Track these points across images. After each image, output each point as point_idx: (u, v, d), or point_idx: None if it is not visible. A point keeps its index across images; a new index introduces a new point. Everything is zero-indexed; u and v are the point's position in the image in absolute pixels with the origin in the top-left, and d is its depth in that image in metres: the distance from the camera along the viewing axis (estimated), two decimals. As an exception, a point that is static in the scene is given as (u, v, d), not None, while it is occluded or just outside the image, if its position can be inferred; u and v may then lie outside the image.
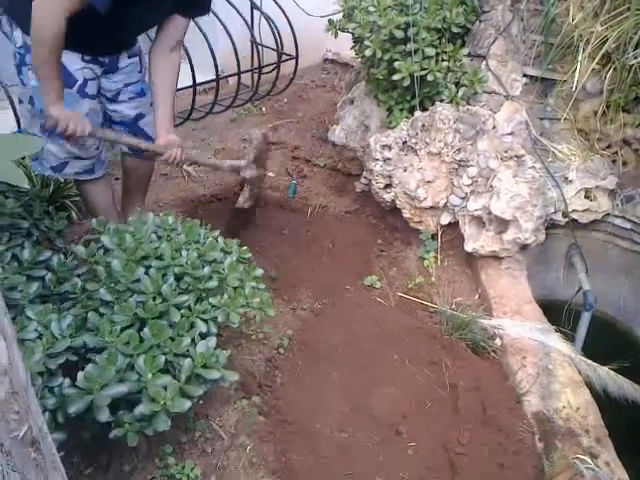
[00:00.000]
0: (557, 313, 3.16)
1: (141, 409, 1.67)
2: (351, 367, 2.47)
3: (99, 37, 2.33)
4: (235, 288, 2.09)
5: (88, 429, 1.78)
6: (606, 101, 3.06)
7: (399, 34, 3.09)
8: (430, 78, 3.10)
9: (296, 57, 4.44)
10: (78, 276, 1.99)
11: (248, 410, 2.25)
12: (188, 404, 1.73)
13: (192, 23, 3.93)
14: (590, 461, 2.14)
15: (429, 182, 3.10)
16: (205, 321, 1.94)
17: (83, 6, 2.10)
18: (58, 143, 2.46)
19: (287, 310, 2.77)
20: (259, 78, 4.38)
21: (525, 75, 3.28)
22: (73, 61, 2.38)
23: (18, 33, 2.32)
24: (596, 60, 2.95)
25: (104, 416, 1.64)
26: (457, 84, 3.23)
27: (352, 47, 3.52)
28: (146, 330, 1.81)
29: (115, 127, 2.67)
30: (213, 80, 4.02)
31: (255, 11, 4.47)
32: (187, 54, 3.62)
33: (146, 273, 1.95)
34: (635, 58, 2.82)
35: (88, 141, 2.52)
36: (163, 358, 1.76)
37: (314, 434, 2.22)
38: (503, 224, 2.97)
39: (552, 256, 3.38)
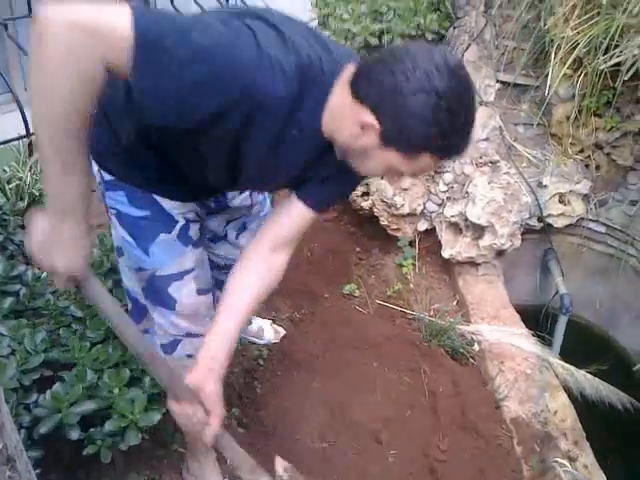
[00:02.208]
0: (534, 317, 3.18)
1: (109, 426, 1.66)
2: (331, 375, 2.47)
3: (195, 186, 1.65)
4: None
5: (63, 446, 1.77)
6: (578, 106, 3.09)
7: (374, 41, 3.11)
8: (405, 85, 3.11)
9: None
10: (52, 293, 1.97)
11: (228, 422, 2.24)
12: (157, 417, 1.72)
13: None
14: (568, 464, 2.16)
15: (406, 189, 3.11)
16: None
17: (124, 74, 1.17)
18: (164, 315, 1.72)
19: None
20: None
21: (498, 81, 3.31)
22: (169, 202, 1.65)
23: (93, 166, 1.59)
24: (567, 65, 2.98)
25: (75, 434, 1.63)
26: (432, 91, 3.25)
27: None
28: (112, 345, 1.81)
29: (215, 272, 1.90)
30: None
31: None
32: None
33: (117, 286, 1.94)
34: (605, 63, 2.85)
35: (202, 306, 1.74)
36: (128, 372, 1.75)
37: (295, 444, 2.22)
38: (479, 230, 2.99)
39: (528, 261, 3.41)
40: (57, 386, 1.64)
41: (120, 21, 1.12)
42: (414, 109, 1.20)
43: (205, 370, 1.46)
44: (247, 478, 1.63)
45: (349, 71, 1.31)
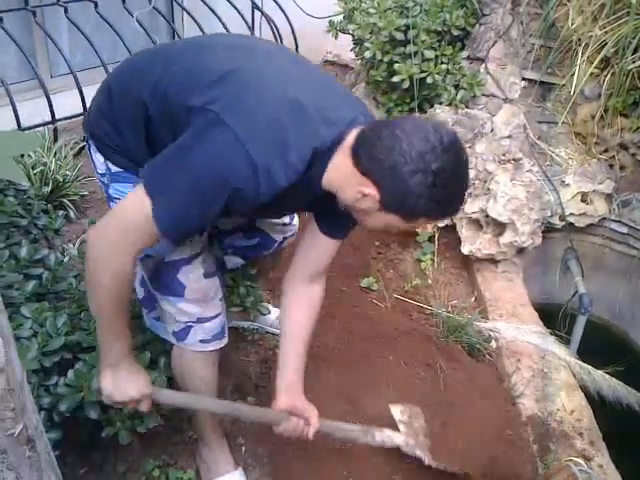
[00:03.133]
0: (553, 316, 3.17)
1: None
2: (346, 368, 2.47)
3: None
4: (228, 287, 2.10)
5: (82, 428, 1.79)
6: (604, 105, 3.07)
7: (399, 36, 3.10)
8: (429, 80, 3.11)
9: (296, 58, 4.45)
10: (74, 277, 1.99)
11: (243, 410, 2.26)
12: None
13: (192, 22, 3.96)
14: (584, 464, 2.14)
15: (427, 184, 3.10)
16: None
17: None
18: (173, 304, 1.75)
19: (284, 311, 2.77)
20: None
21: (524, 79, 3.30)
22: None
23: (100, 157, 1.70)
24: (594, 64, 2.96)
25: (94, 413, 1.66)
26: (456, 87, 3.24)
27: (352, 49, 3.53)
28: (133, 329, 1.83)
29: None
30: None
31: (256, 11, 4.48)
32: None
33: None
34: (633, 62, 2.83)
35: (210, 289, 1.79)
36: (148, 355, 1.79)
37: (309, 435, 2.22)
38: (500, 227, 2.97)
39: (549, 259, 3.39)
40: (80, 365, 1.67)
41: (140, 215, 1.41)
42: (412, 188, 1.34)
43: (285, 395, 1.77)
44: (365, 441, 1.96)
45: (350, 138, 1.45)
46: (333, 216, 1.66)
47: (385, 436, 1.97)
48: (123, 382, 1.57)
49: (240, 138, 1.37)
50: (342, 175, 1.45)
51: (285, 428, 1.77)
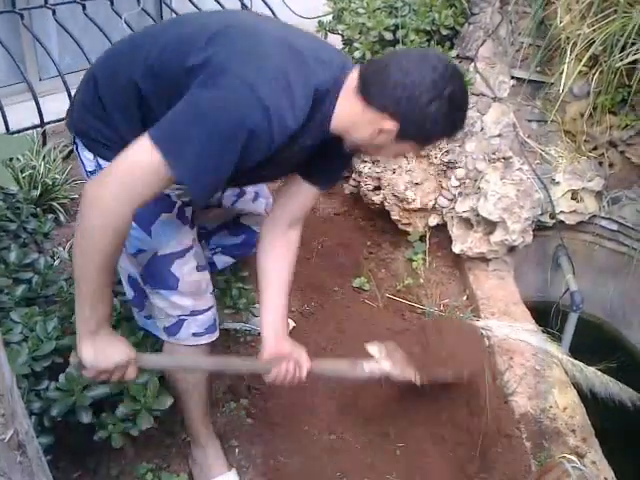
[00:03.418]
0: (545, 314, 3.17)
1: (122, 409, 1.69)
2: (339, 368, 2.47)
3: None
4: (221, 289, 2.10)
5: (74, 432, 1.78)
6: (593, 103, 3.07)
7: (388, 36, 3.10)
8: (418, 80, 3.11)
9: (285, 58, 4.44)
10: (65, 280, 1.99)
11: (236, 413, 2.26)
12: (169, 401, 1.75)
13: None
14: (577, 460, 2.15)
15: (417, 184, 3.11)
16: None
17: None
18: (165, 297, 1.76)
19: (276, 312, 2.77)
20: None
21: (513, 77, 3.30)
22: None
23: (88, 154, 1.67)
24: (583, 62, 2.97)
25: (86, 417, 1.65)
26: (446, 86, 3.24)
27: (342, 49, 3.53)
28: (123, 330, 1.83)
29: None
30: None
31: (244, 12, 4.47)
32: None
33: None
34: (621, 60, 2.83)
35: (202, 282, 1.82)
36: None
37: (302, 436, 2.23)
38: (491, 225, 2.98)
39: (540, 257, 3.40)
40: (71, 368, 1.66)
41: (149, 160, 1.37)
42: (431, 115, 1.42)
43: (273, 342, 1.75)
44: (355, 375, 1.95)
45: (350, 80, 1.50)
46: (332, 160, 1.70)
47: (373, 365, 1.95)
48: (105, 348, 1.49)
49: (248, 82, 1.38)
50: (353, 116, 1.50)
51: (277, 374, 1.73)
